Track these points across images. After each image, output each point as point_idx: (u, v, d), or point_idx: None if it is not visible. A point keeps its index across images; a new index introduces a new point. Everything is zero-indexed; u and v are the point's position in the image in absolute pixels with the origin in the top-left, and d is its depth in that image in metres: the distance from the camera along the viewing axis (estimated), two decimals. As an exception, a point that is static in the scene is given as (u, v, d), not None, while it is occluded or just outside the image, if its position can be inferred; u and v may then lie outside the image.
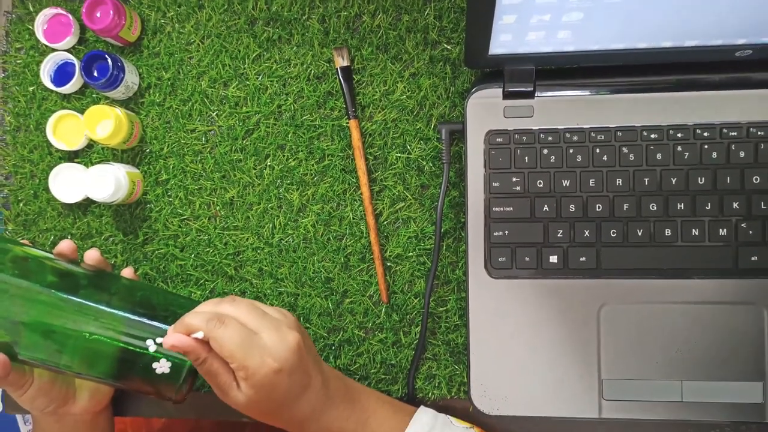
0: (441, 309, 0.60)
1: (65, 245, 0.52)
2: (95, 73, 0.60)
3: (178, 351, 0.45)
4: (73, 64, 0.63)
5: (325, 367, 0.51)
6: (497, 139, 0.57)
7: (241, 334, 0.45)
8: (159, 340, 0.49)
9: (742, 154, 0.55)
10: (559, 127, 0.57)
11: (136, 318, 0.50)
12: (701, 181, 0.55)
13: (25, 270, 0.49)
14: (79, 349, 0.49)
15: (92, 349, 0.49)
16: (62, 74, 0.63)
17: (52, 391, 0.53)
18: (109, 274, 0.53)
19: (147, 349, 0.49)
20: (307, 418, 0.49)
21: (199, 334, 0.45)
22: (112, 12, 0.59)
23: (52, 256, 0.52)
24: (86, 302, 0.49)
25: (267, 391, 0.45)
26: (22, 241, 0.52)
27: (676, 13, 0.48)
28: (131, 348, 0.49)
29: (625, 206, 0.56)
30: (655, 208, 0.55)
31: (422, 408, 0.55)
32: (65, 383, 0.54)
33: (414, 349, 0.60)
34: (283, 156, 0.62)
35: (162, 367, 0.50)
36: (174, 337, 0.45)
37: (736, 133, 0.55)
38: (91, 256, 0.53)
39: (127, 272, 0.55)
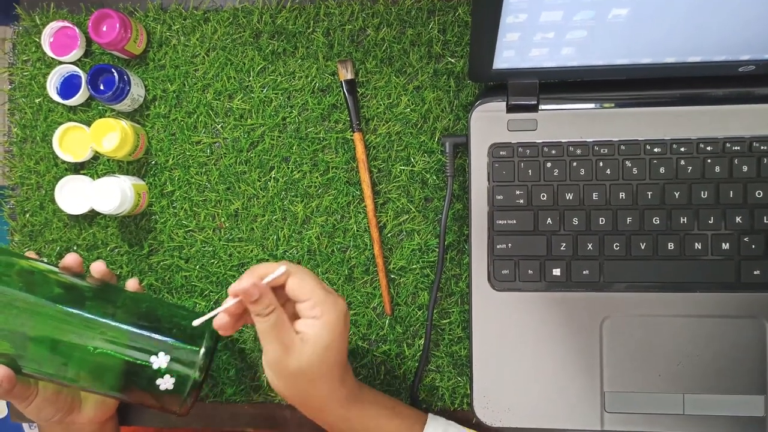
0: (444, 321, 0.61)
1: (71, 259, 0.52)
2: (101, 86, 0.61)
3: (248, 297, 0.45)
4: (80, 77, 0.63)
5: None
6: (501, 152, 0.57)
7: (317, 278, 0.48)
8: (162, 356, 0.49)
9: (744, 168, 0.55)
10: (563, 140, 0.57)
11: (141, 332, 0.50)
12: (704, 195, 0.55)
13: (31, 283, 0.49)
14: (84, 363, 0.49)
15: (97, 363, 0.49)
16: (68, 86, 0.63)
17: (57, 402, 0.53)
18: (114, 287, 0.54)
19: (152, 363, 0.50)
20: (339, 401, 0.50)
21: (281, 270, 0.46)
22: (118, 25, 0.59)
23: (57, 269, 0.52)
24: (91, 316, 0.50)
25: (327, 343, 0.46)
26: (27, 254, 0.53)
27: (680, 30, 0.48)
28: (136, 362, 0.50)
29: (628, 220, 0.56)
30: (657, 221, 0.56)
31: (431, 416, 0.55)
32: (70, 394, 0.55)
33: (417, 361, 0.61)
34: (288, 168, 0.62)
35: (165, 383, 0.50)
36: (246, 281, 0.45)
37: (739, 148, 0.55)
38: (97, 268, 0.53)
39: (131, 283, 0.55)
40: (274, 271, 0.47)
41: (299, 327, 0.47)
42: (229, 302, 0.46)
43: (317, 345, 0.46)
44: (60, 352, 0.49)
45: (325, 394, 0.49)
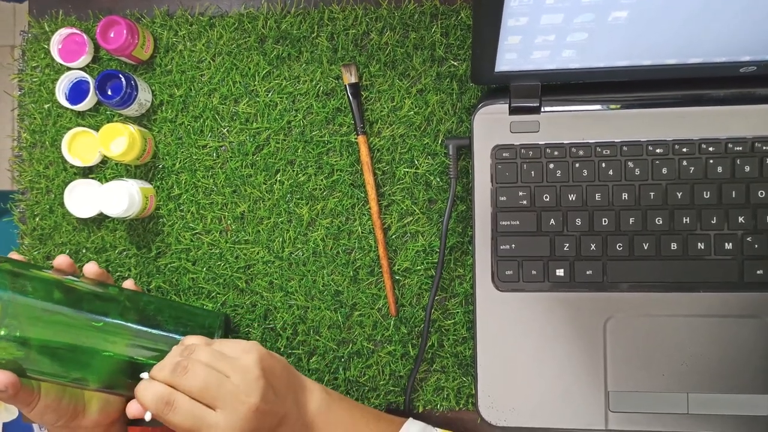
0: (449, 322, 0.61)
1: (61, 260, 0.53)
2: (109, 92, 0.62)
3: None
4: (88, 82, 0.64)
5: (306, 391, 0.52)
6: (504, 154, 0.58)
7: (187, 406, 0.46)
8: None
9: (747, 168, 0.55)
10: (565, 141, 0.57)
11: (149, 331, 0.51)
12: (707, 195, 0.56)
13: (33, 288, 0.49)
14: (91, 364, 0.49)
15: (104, 365, 0.50)
16: (77, 92, 0.64)
17: (60, 407, 0.53)
18: (118, 289, 0.54)
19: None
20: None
21: (147, 415, 0.47)
22: (125, 32, 0.60)
23: (60, 277, 0.52)
24: (97, 317, 0.50)
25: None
26: (12, 255, 0.53)
27: (680, 32, 0.49)
28: (146, 363, 0.50)
29: (631, 220, 0.56)
30: (660, 222, 0.56)
31: (411, 420, 0.56)
32: (73, 398, 0.54)
33: (422, 361, 0.61)
34: (293, 171, 0.63)
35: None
36: (135, 407, 0.48)
37: (741, 148, 0.55)
38: (91, 269, 0.54)
39: (128, 284, 0.56)
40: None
41: None
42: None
43: None
44: (65, 355, 0.49)
45: None
